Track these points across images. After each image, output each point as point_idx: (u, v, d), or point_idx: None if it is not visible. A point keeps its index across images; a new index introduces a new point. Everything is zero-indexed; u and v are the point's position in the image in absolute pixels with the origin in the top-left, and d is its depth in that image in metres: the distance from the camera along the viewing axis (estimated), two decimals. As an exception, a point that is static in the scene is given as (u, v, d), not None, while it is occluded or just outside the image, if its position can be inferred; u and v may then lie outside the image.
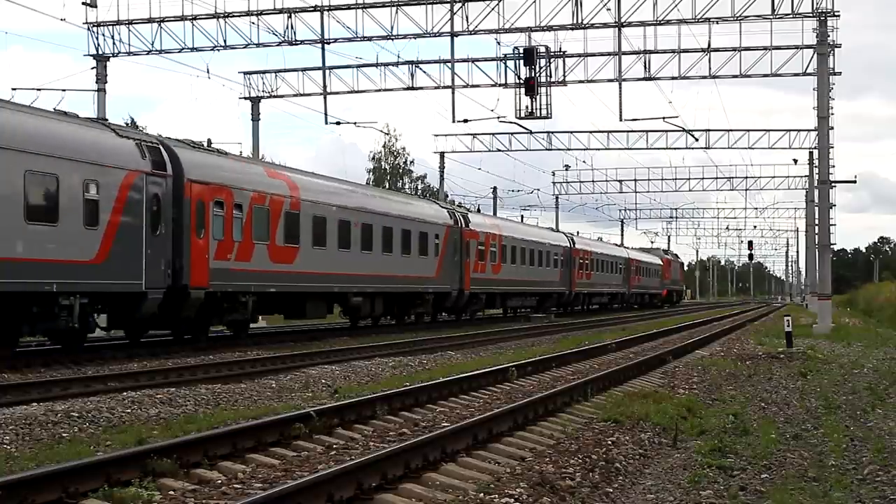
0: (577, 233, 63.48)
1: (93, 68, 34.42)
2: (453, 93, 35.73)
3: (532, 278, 46.97)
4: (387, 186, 73.82)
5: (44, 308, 18.25)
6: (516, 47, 33.84)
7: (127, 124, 53.33)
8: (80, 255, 18.86)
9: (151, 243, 20.69)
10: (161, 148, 21.57)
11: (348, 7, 33.54)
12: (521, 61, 32.88)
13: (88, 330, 20.19)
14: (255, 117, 40.20)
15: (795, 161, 63.14)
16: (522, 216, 63.49)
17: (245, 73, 40.31)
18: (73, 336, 19.84)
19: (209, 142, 25.78)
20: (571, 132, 53.74)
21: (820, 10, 32.42)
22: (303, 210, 26.50)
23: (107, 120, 20.97)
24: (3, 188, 17.20)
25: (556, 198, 71.40)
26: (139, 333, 22.91)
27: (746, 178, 68.40)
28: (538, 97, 32.48)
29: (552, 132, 52.88)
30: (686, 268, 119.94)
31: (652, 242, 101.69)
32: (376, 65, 37.11)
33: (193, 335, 23.66)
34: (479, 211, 48.43)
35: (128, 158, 20.31)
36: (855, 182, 43.16)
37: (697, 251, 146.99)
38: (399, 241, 32.38)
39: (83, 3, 33.21)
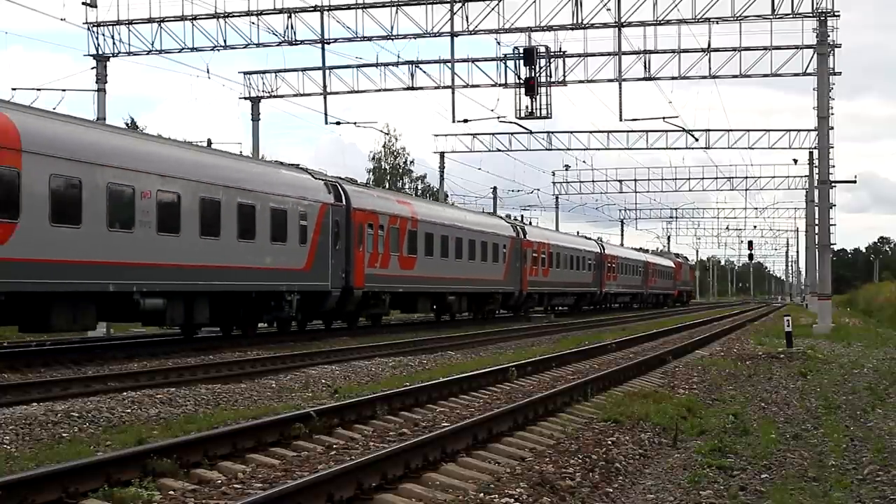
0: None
1: (93, 68, 34.39)
2: (453, 93, 35.76)
3: (572, 280, 54.63)
4: (387, 186, 73.83)
5: (277, 302, 25.50)
6: (516, 47, 33.84)
7: (127, 125, 53.20)
8: (297, 265, 26.20)
9: (334, 255, 27.88)
10: (338, 185, 29.17)
11: (348, 7, 33.52)
12: (521, 61, 32.84)
13: (296, 319, 27.63)
14: (255, 117, 40.17)
15: (795, 161, 63.20)
16: (523, 216, 63.64)
17: (245, 73, 40.30)
18: (288, 322, 28.05)
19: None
20: (571, 132, 53.78)
21: (820, 10, 32.41)
22: (419, 228, 34.13)
23: (299, 164, 28.78)
24: (260, 222, 24.49)
25: (556, 198, 71.46)
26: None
27: (746, 178, 68.43)
28: (538, 97, 32.45)
29: (552, 132, 52.92)
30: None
31: (663, 247, 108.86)
32: (376, 65, 37.10)
33: (349, 324, 31.85)
34: (531, 223, 54.52)
35: (321, 195, 27.70)
36: (855, 182, 43.20)
37: (697, 251, 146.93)
38: (479, 251, 39.66)
39: (83, 3, 33.20)
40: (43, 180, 17.93)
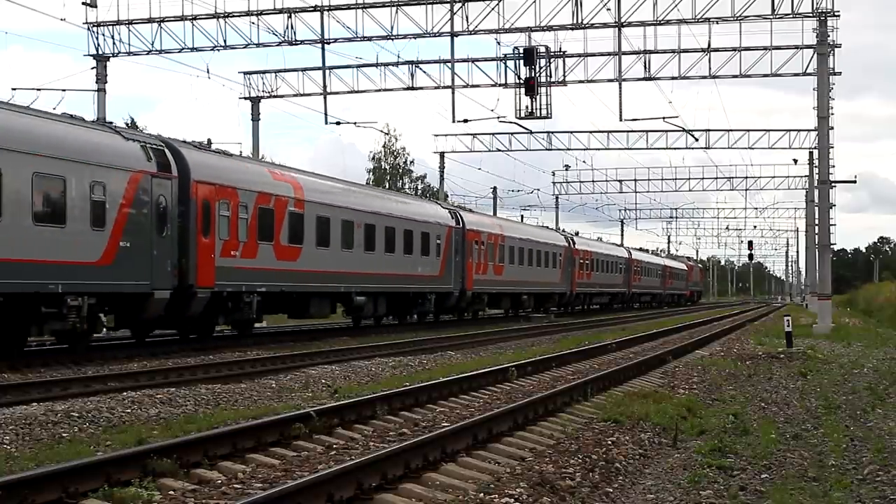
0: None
1: (93, 68, 34.39)
2: (453, 93, 35.74)
3: (608, 282, 63.34)
4: (387, 186, 73.75)
5: (422, 300, 34.93)
6: (516, 47, 33.81)
7: (127, 125, 53.51)
8: (434, 272, 35.38)
9: (455, 265, 37.07)
10: (456, 212, 39.49)
11: (348, 7, 33.52)
12: (521, 61, 32.83)
13: (432, 313, 37.34)
14: (255, 117, 40.19)
15: (795, 161, 63.14)
16: (523, 216, 64.02)
17: (245, 73, 40.34)
18: (426, 315, 37.42)
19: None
20: (571, 132, 53.76)
21: (820, 10, 32.41)
22: (506, 243, 43.08)
23: (429, 197, 35.81)
24: (416, 242, 33.60)
25: (556, 198, 71.42)
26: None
27: (746, 178, 68.32)
28: (538, 97, 32.44)
29: (552, 132, 52.89)
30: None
31: (676, 250, 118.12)
32: (376, 65, 37.10)
33: (459, 317, 41.05)
34: (577, 234, 63.00)
35: (447, 220, 37.34)
36: (855, 182, 43.19)
37: (697, 251, 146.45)
38: (543, 259, 48.69)
39: (83, 3, 33.20)
40: (313, 218, 27.28)
